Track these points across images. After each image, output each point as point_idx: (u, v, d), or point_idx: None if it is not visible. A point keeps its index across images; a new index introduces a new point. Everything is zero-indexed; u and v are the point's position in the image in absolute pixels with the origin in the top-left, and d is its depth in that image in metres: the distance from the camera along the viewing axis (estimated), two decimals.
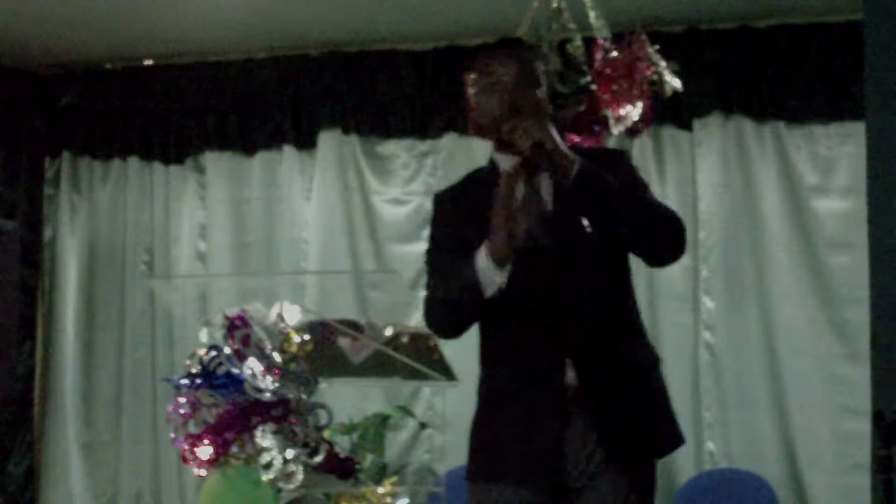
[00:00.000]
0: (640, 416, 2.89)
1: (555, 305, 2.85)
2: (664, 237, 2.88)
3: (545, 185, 2.88)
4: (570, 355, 2.85)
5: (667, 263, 2.99)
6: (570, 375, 2.84)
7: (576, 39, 4.56)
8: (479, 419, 2.98)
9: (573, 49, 4.36)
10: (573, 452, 2.85)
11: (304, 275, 6.17)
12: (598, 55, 4.55)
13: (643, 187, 2.95)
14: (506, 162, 2.88)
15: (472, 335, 3.14)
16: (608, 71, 4.51)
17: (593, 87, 4.46)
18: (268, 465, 3.82)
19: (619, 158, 3.01)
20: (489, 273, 2.78)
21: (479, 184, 2.97)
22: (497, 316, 2.89)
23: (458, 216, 2.96)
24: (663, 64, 4.62)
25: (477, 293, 2.79)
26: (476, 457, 2.97)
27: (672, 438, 3.00)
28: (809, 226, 5.71)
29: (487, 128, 2.91)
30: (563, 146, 2.80)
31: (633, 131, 4.71)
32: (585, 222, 2.84)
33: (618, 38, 4.66)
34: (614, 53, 4.53)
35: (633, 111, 4.51)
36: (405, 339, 3.99)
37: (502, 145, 2.89)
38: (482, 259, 2.77)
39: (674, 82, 4.61)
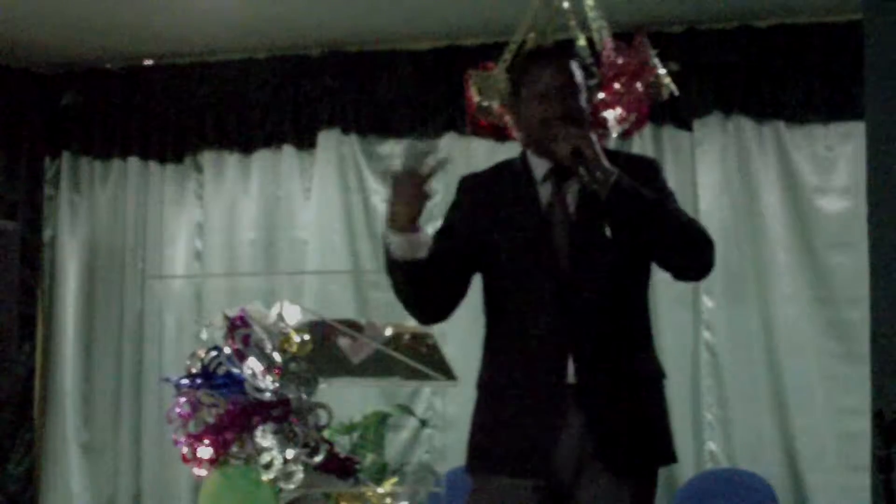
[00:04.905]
0: (635, 427, 2.89)
1: (565, 305, 2.86)
2: (694, 255, 2.90)
3: (572, 190, 2.90)
4: (573, 355, 2.85)
5: (694, 279, 3.03)
6: (571, 374, 2.85)
7: (579, 40, 4.57)
8: (479, 409, 2.97)
9: (576, 50, 4.35)
10: (567, 450, 2.84)
11: (304, 275, 6.16)
12: (600, 57, 4.55)
13: (672, 199, 2.95)
14: (541, 166, 2.91)
15: (471, 333, 3.14)
16: (610, 73, 4.51)
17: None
18: (268, 465, 3.83)
19: (651, 167, 3.02)
20: (387, 236, 2.93)
21: (506, 179, 2.98)
22: (505, 306, 2.93)
23: (475, 206, 2.98)
24: (661, 67, 4.63)
25: (392, 262, 2.94)
26: (475, 449, 2.96)
27: (664, 455, 2.98)
28: (809, 226, 5.71)
29: (531, 131, 2.92)
30: (602, 158, 2.80)
31: (625, 133, 4.72)
32: (607, 230, 2.84)
33: (618, 39, 4.66)
34: (617, 56, 4.53)
35: (633, 113, 4.52)
36: (405, 339, 4.00)
37: (540, 149, 2.91)
38: (384, 228, 2.92)
39: (671, 86, 4.62)
